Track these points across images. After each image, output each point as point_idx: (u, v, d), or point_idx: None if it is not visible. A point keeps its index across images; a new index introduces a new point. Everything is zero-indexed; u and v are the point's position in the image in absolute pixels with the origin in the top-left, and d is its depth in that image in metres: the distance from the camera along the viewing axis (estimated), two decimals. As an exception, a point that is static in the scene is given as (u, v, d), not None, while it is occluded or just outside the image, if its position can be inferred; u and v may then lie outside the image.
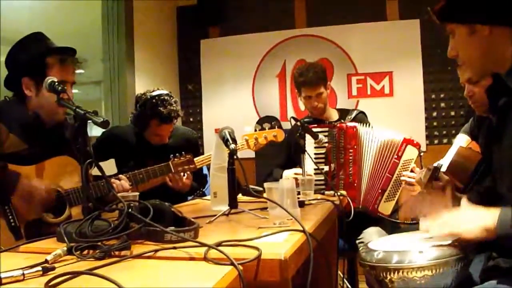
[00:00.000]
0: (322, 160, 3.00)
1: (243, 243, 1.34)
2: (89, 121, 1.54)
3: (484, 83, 2.14)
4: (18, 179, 1.91)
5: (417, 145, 2.84)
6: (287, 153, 3.37)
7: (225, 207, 2.08)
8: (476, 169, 2.32)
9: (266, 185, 1.97)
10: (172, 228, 1.48)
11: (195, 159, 2.73)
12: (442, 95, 4.60)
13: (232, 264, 1.14)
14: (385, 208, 2.87)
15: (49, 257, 1.23)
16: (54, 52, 2.08)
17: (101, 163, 2.92)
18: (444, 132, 4.60)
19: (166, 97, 2.92)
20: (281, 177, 3.17)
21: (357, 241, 3.00)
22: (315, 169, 3.03)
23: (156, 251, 1.28)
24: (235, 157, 1.95)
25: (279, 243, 1.37)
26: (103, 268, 1.15)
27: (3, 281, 1.05)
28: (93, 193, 2.13)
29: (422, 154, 2.84)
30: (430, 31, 4.49)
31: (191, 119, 5.17)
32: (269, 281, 1.22)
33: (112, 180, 2.39)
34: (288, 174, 3.17)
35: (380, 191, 2.84)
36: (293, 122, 2.97)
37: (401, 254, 1.49)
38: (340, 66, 4.79)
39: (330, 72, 4.73)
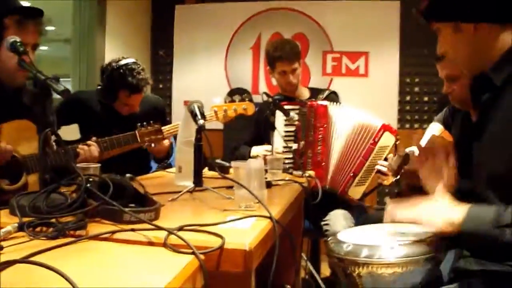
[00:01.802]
0: (291, 138, 2.96)
1: (206, 228, 1.28)
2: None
3: (462, 80, 2.13)
4: None
5: (394, 132, 2.81)
6: (256, 129, 3.32)
7: (189, 183, 2.02)
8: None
9: (233, 163, 1.90)
10: (133, 207, 1.42)
11: (168, 126, 2.64)
12: (417, 80, 4.58)
13: (193, 253, 1.07)
14: (355, 192, 2.85)
15: (-3, 234, 1.15)
16: (13, 12, 1.94)
17: (64, 127, 2.87)
18: (416, 117, 4.60)
19: (133, 66, 2.80)
20: (249, 154, 3.13)
21: (322, 223, 2.98)
22: (284, 147, 2.99)
23: (113, 232, 1.21)
24: (202, 132, 1.87)
25: (244, 230, 1.32)
26: (55, 250, 1.07)
27: None
28: (52, 161, 2.03)
29: (398, 142, 2.81)
30: (410, 14, 4.41)
31: (160, 86, 5.04)
32: (232, 271, 1.17)
33: (80, 146, 2.29)
34: (258, 151, 3.12)
35: (351, 174, 2.81)
36: (265, 97, 2.91)
37: (371, 249, 1.44)
38: (316, 43, 4.71)
39: (305, 48, 4.67)
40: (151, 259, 1.07)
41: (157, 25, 5.08)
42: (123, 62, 2.80)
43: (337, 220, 2.93)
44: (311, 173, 2.74)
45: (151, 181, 2.31)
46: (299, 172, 2.61)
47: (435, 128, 2.63)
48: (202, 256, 1.07)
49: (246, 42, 4.87)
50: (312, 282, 3.24)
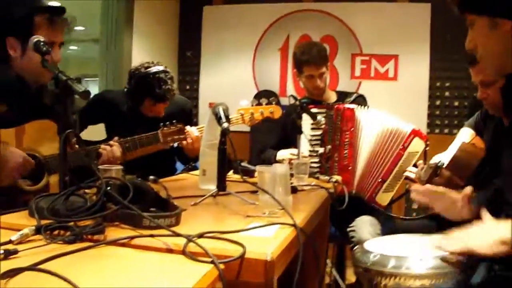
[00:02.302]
0: (318, 142, 2.91)
1: (227, 236, 1.23)
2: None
3: (497, 85, 2.05)
4: None
5: (424, 138, 2.72)
6: (282, 132, 3.28)
7: (213, 187, 1.98)
8: (478, 167, 2.24)
9: (258, 168, 1.87)
10: (154, 211, 1.38)
11: (199, 126, 2.64)
12: (447, 84, 4.46)
13: (212, 262, 1.03)
14: (383, 199, 2.77)
15: (14, 237, 1.12)
16: (43, 10, 1.93)
17: (90, 127, 2.87)
18: (446, 121, 4.48)
19: (162, 75, 2.79)
20: (274, 158, 3.09)
21: (348, 229, 2.91)
22: (310, 151, 2.95)
23: (131, 238, 1.17)
24: (227, 136, 1.83)
25: (266, 239, 1.27)
26: (72, 255, 1.04)
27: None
28: (73, 162, 2.01)
29: (428, 148, 2.72)
30: (441, 16, 4.34)
31: (187, 87, 5.02)
32: (253, 282, 1.12)
33: (103, 146, 2.27)
34: (284, 154, 3.08)
35: (380, 180, 2.73)
36: (292, 100, 2.87)
37: (398, 259, 1.39)
38: (344, 45, 4.63)
39: (334, 51, 4.59)
40: (169, 267, 1.04)
41: (184, 26, 5.05)
42: (152, 70, 2.79)
43: (364, 226, 2.85)
44: (338, 178, 2.68)
45: (175, 184, 2.28)
46: (326, 177, 2.56)
47: (466, 134, 2.55)
48: (221, 266, 1.03)
49: (274, 44, 4.82)
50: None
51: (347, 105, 2.95)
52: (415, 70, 4.50)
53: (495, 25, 1.40)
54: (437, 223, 2.40)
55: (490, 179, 1.83)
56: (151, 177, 2.18)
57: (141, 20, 4.29)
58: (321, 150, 2.89)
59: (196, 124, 2.96)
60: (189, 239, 1.13)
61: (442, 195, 1.81)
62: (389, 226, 2.97)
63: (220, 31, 4.92)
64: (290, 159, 3.03)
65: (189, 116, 3.25)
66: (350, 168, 2.82)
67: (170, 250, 1.13)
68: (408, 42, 4.49)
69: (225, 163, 1.85)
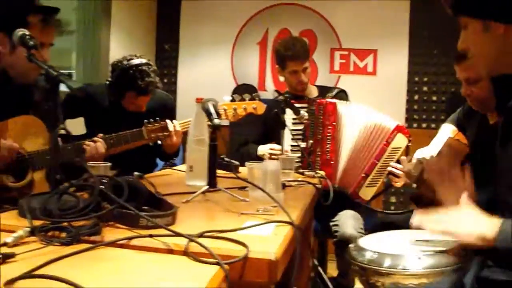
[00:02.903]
0: (300, 137, 2.91)
1: (227, 235, 1.21)
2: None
3: (482, 83, 2.07)
4: None
5: (407, 134, 2.75)
6: (263, 127, 3.26)
7: (201, 183, 1.97)
8: (462, 163, 2.26)
9: (247, 164, 1.86)
10: (147, 210, 1.35)
11: (181, 121, 2.61)
12: (425, 79, 4.51)
13: (218, 263, 1.01)
14: (366, 193, 2.79)
15: (9, 239, 1.08)
16: (37, 10, 1.88)
17: (69, 121, 2.81)
18: (424, 116, 4.53)
19: (144, 68, 2.75)
20: (255, 153, 3.08)
21: (331, 223, 2.93)
22: (292, 146, 2.95)
23: (130, 238, 1.14)
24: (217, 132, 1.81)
25: (266, 238, 1.25)
26: (70, 257, 1.01)
27: (-46, 270, 0.90)
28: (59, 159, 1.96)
29: (410, 144, 2.74)
30: (420, 12, 4.38)
31: (165, 80, 4.95)
32: (256, 282, 1.10)
33: (87, 142, 2.22)
34: (264, 149, 3.07)
35: (363, 175, 2.75)
36: (275, 95, 2.87)
37: (395, 258, 1.39)
38: (324, 40, 4.63)
39: (313, 45, 4.59)
40: (173, 268, 1.01)
41: (163, 19, 4.98)
42: (134, 62, 2.75)
43: (347, 221, 2.88)
44: (322, 173, 2.68)
45: (160, 180, 2.24)
46: (311, 172, 2.56)
47: (448, 129, 2.58)
48: (226, 266, 1.01)
49: (253, 38, 4.79)
50: (320, 283, 3.18)
51: (329, 100, 2.95)
52: (394, 65, 4.53)
53: (488, 28, 1.41)
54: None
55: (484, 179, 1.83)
56: (136, 173, 2.16)
57: (118, 12, 4.20)
58: (303, 144, 2.89)
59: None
60: (191, 239, 1.10)
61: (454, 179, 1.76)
62: (371, 221, 2.99)
63: (199, 24, 4.87)
64: (270, 154, 3.02)
65: (171, 112, 3.20)
66: (332, 162, 2.83)
67: (170, 251, 1.11)
68: (387, 37, 4.52)
69: (215, 159, 1.82)
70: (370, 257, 1.42)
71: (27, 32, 1.66)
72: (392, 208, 4.45)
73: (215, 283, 0.95)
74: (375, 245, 1.49)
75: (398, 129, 2.74)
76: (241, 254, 1.08)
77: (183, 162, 3.27)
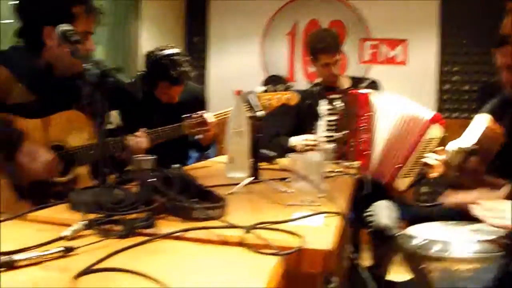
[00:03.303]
0: (333, 128, 2.90)
1: (279, 226, 1.22)
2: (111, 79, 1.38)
3: None
4: (22, 137, 1.75)
5: (443, 124, 2.71)
6: (296, 118, 3.26)
7: (241, 174, 1.98)
8: (499, 152, 2.23)
9: (291, 155, 1.85)
10: (195, 202, 1.36)
11: (215, 113, 2.64)
12: (456, 68, 4.46)
13: (276, 254, 1.01)
14: (401, 184, 2.75)
15: (67, 233, 1.10)
16: (80, 1, 1.90)
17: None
18: (456, 106, 4.48)
19: (177, 58, 2.78)
20: (287, 144, 3.08)
21: (366, 214, 2.91)
22: (325, 136, 2.94)
23: (185, 230, 1.15)
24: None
25: (319, 229, 1.25)
26: (132, 250, 1.03)
27: (20, 263, 0.92)
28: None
29: (446, 134, 2.71)
30: (450, 1, 4.33)
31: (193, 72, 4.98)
32: (311, 272, 1.11)
33: (129, 137, 2.25)
34: (298, 140, 3.07)
35: (398, 166, 2.71)
36: (308, 86, 2.87)
37: (443, 244, 1.39)
38: (353, 30, 4.61)
39: (343, 36, 4.56)
40: (232, 260, 1.02)
41: (191, 12, 5.00)
42: (167, 52, 2.77)
43: (382, 211, 2.86)
44: (358, 163, 2.66)
45: (199, 172, 2.26)
46: (347, 163, 2.55)
47: (483, 119, 2.53)
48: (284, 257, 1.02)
49: (283, 29, 4.78)
50: (356, 272, 3.17)
51: (362, 90, 2.93)
52: (424, 55, 4.49)
53: None
54: (459, 209, 2.40)
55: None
56: (175, 165, 2.18)
57: (148, 5, 4.22)
58: (337, 135, 2.89)
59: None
60: (248, 230, 1.11)
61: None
62: (406, 211, 2.97)
63: (227, 16, 4.87)
64: (305, 145, 3.03)
65: (203, 104, 3.22)
66: (366, 153, 2.81)
67: (225, 242, 1.12)
68: (417, 26, 4.48)
69: (258, 151, 1.83)
70: (418, 243, 1.42)
71: (69, 28, 1.68)
72: (424, 198, 4.41)
73: (278, 274, 0.96)
74: (423, 233, 1.49)
75: (433, 119, 2.70)
76: (296, 245, 1.09)
77: (217, 154, 3.28)
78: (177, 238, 1.14)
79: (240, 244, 1.09)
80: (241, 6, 4.85)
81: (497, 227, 1.38)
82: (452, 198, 1.44)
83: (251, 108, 1.84)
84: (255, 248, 1.05)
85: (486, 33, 4.13)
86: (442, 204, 2.69)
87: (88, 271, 0.87)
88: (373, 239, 2.85)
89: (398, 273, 3.17)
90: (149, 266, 0.94)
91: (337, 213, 1.38)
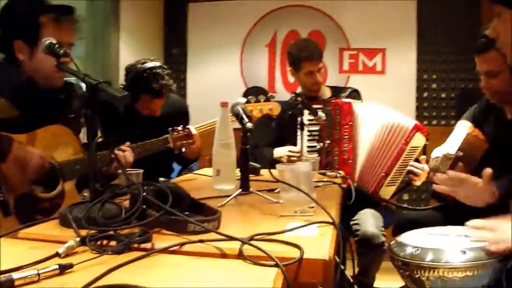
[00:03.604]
0: (316, 138, 2.92)
1: (276, 237, 1.22)
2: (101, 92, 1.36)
3: (503, 75, 2.08)
4: (11, 143, 1.71)
5: (425, 132, 2.74)
6: (277, 129, 3.27)
7: (228, 186, 1.98)
8: (482, 159, 2.27)
9: (278, 167, 1.85)
10: (188, 215, 1.34)
11: (197, 125, 2.65)
12: (434, 76, 4.51)
13: (276, 265, 1.01)
14: (386, 192, 2.79)
15: (61, 250, 1.07)
16: (48, 10, 1.86)
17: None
18: (434, 113, 4.54)
19: (158, 71, 2.79)
20: (271, 155, 3.08)
21: (352, 222, 2.92)
22: (308, 147, 2.95)
23: (181, 244, 1.14)
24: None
25: (315, 239, 1.25)
26: (130, 265, 1.01)
27: (16, 282, 0.89)
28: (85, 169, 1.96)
29: (427, 142, 2.74)
30: (427, 10, 4.40)
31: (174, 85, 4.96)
32: (311, 282, 1.10)
33: (116, 151, 2.22)
34: (281, 152, 3.08)
35: (383, 174, 2.74)
36: (291, 97, 2.88)
37: (437, 252, 1.40)
38: (332, 40, 4.63)
39: (322, 46, 4.56)
40: (232, 272, 1.01)
41: (170, 24, 4.98)
42: (149, 65, 2.77)
43: (367, 219, 2.88)
44: (342, 173, 2.68)
45: (185, 185, 2.24)
46: (333, 173, 2.56)
47: (464, 126, 2.57)
48: (284, 268, 1.01)
49: (262, 40, 4.79)
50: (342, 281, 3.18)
51: (344, 100, 2.96)
52: (403, 63, 4.53)
53: None
54: (443, 214, 2.43)
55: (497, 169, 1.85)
56: (161, 178, 2.16)
57: (127, 17, 4.19)
58: (319, 145, 2.90)
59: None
60: (246, 242, 1.10)
61: (464, 180, 1.83)
62: (390, 219, 3.00)
63: (206, 28, 4.86)
64: (289, 156, 3.03)
65: (185, 116, 3.21)
66: (350, 161, 2.83)
67: (224, 255, 1.11)
68: (395, 35, 4.52)
69: (248, 163, 1.83)
70: (412, 252, 1.43)
71: (54, 41, 1.66)
72: (405, 205, 4.45)
73: (277, 285, 0.95)
74: (415, 241, 1.50)
75: (416, 128, 2.74)
76: (293, 255, 1.08)
77: (199, 167, 3.27)
78: (174, 252, 1.12)
79: (239, 256, 1.08)
80: (220, 17, 4.84)
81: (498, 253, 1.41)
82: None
83: (240, 119, 1.83)
84: (254, 259, 1.04)
85: (463, 41, 4.25)
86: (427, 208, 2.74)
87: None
88: (359, 247, 2.86)
89: (384, 280, 3.19)
90: (151, 281, 0.93)
91: (331, 223, 1.38)
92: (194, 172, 2.77)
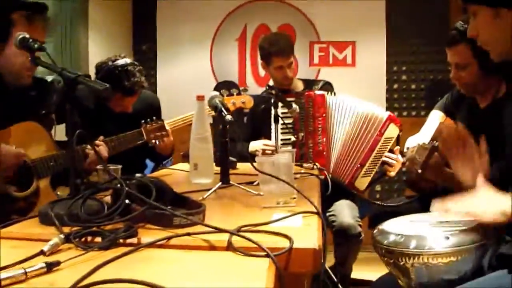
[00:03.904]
0: (290, 130, 2.92)
1: (263, 228, 1.21)
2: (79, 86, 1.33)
3: (471, 68, 2.11)
4: None
5: (399, 123, 2.77)
6: (251, 123, 3.27)
7: (206, 180, 1.97)
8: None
9: (257, 159, 1.84)
10: (174, 209, 1.33)
11: (169, 120, 2.61)
12: (404, 68, 4.58)
13: (267, 255, 1.00)
14: (361, 183, 2.80)
15: (45, 248, 1.04)
16: (21, 7, 1.82)
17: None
18: (404, 104, 4.60)
19: (130, 68, 2.73)
20: (247, 150, 3.07)
21: (328, 213, 2.94)
22: (282, 140, 2.95)
23: (169, 238, 1.12)
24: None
25: (301, 229, 1.25)
26: (117, 261, 0.99)
27: (3, 282, 0.86)
28: (62, 164, 1.93)
29: (401, 133, 2.77)
30: (396, 2, 4.46)
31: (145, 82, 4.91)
32: (301, 271, 1.10)
33: (89, 146, 2.18)
34: (256, 145, 3.07)
35: (359, 165, 2.76)
36: (265, 90, 2.87)
37: (420, 239, 1.41)
38: (302, 33, 4.65)
39: (293, 39, 4.60)
40: (227, 264, 1.00)
41: (138, 19, 4.92)
42: (120, 62, 2.72)
43: (343, 210, 2.90)
44: (318, 164, 2.69)
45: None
46: (309, 164, 2.57)
47: (437, 116, 2.61)
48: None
49: (232, 34, 4.77)
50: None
51: (317, 92, 2.97)
52: (372, 56, 4.58)
53: (498, 14, 1.48)
54: (420, 203, 2.46)
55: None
56: (137, 174, 2.13)
57: (95, 14, 4.12)
58: (293, 138, 2.91)
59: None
60: (235, 233, 1.10)
61: (468, 143, 1.77)
62: (366, 209, 3.02)
63: (176, 23, 4.82)
64: (264, 150, 3.03)
65: (158, 112, 3.17)
66: (325, 153, 2.84)
67: (212, 247, 1.10)
68: (364, 28, 4.56)
69: (227, 156, 1.81)
70: (396, 240, 1.44)
71: (27, 35, 1.61)
72: (377, 196, 4.51)
73: (272, 275, 0.95)
74: (398, 228, 1.51)
75: (390, 119, 2.76)
76: (284, 245, 1.08)
77: (173, 162, 3.25)
78: (161, 246, 1.11)
79: (228, 248, 1.07)
80: (189, 12, 4.80)
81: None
82: (442, 206, 1.47)
83: (219, 112, 1.82)
84: (245, 251, 1.04)
85: (432, 32, 4.32)
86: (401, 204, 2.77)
87: (84, 285, 0.83)
88: (336, 238, 2.88)
89: (362, 271, 3.23)
90: (142, 276, 0.90)
91: (315, 213, 1.39)
92: (169, 167, 2.75)
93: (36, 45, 1.51)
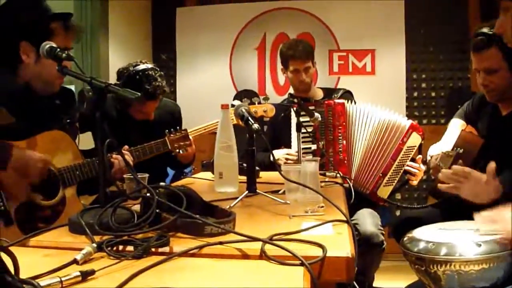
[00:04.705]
0: (310, 139, 2.91)
1: (294, 237, 1.20)
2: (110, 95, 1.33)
3: (502, 73, 2.09)
4: (11, 149, 1.67)
5: (421, 132, 2.75)
6: (272, 132, 3.26)
7: (231, 189, 1.97)
8: (478, 155, 2.28)
9: (284, 167, 1.83)
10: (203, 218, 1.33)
11: (192, 129, 2.62)
12: (423, 76, 4.55)
13: (302, 264, 0.99)
14: (383, 192, 2.79)
15: (78, 256, 1.04)
16: (58, 17, 1.87)
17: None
18: (424, 112, 4.57)
19: (151, 72, 2.73)
20: (268, 159, 3.06)
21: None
22: (302, 149, 2.94)
23: (202, 247, 1.11)
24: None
25: (333, 237, 1.24)
26: (151, 269, 0.98)
27: (42, 291, 0.86)
28: (88, 173, 1.93)
29: (423, 141, 2.75)
30: (415, 10, 4.45)
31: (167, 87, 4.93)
32: (334, 280, 1.09)
33: (114, 156, 2.19)
34: (279, 154, 3.06)
35: (381, 175, 2.74)
36: (288, 98, 2.86)
37: (450, 247, 1.40)
38: (321, 42, 4.64)
39: (313, 46, 4.60)
40: (261, 273, 0.99)
41: (158, 29, 4.95)
42: (141, 67, 2.72)
43: (366, 219, 2.87)
44: (339, 173, 2.67)
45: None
46: (332, 173, 2.56)
47: (457, 124, 2.59)
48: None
49: (251, 43, 4.79)
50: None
51: (337, 100, 2.96)
52: (392, 63, 4.56)
53: None
54: (441, 211, 2.43)
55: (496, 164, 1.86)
56: (162, 183, 2.14)
57: (115, 23, 4.16)
58: (314, 146, 2.89)
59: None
60: (269, 242, 1.09)
61: (469, 175, 1.82)
62: (387, 218, 3.00)
63: (195, 32, 4.85)
64: (287, 159, 3.01)
65: (179, 120, 3.18)
66: (346, 162, 2.83)
67: (246, 256, 1.09)
68: (383, 36, 4.55)
69: (254, 165, 1.81)
70: (426, 247, 1.43)
71: (54, 45, 1.63)
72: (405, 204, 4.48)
73: (307, 284, 0.94)
74: (428, 236, 1.50)
75: (412, 127, 2.75)
76: (317, 254, 1.07)
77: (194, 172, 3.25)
78: (194, 255, 1.10)
79: (261, 256, 1.06)
80: (208, 21, 4.82)
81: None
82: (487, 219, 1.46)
83: (246, 121, 1.82)
84: (278, 259, 1.03)
85: (452, 40, 4.30)
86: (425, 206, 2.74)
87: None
88: (359, 246, 2.85)
89: (383, 280, 3.20)
90: (176, 284, 0.90)
91: (345, 221, 1.37)
92: (191, 176, 2.75)
93: (64, 55, 1.52)
